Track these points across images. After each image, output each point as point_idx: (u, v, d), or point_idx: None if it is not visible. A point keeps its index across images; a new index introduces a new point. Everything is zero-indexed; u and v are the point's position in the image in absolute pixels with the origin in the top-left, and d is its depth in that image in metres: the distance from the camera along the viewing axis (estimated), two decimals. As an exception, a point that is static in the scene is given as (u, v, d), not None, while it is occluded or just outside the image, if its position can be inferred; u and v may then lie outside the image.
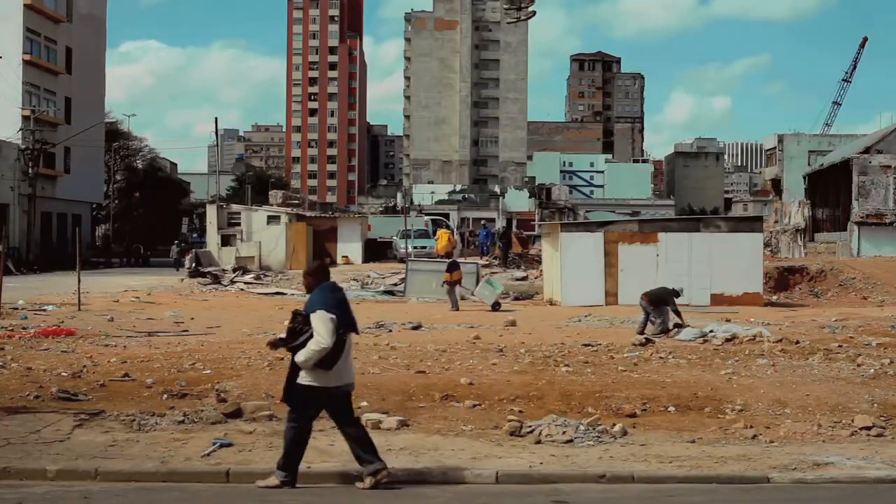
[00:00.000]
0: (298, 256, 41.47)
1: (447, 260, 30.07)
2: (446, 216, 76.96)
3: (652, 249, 26.24)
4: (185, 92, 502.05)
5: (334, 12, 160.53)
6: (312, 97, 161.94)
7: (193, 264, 38.85)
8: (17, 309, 21.94)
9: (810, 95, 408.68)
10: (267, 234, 43.20)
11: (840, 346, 15.60)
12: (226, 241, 43.48)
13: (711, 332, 17.22)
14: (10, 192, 50.51)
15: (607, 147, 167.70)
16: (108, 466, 8.38)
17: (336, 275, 36.09)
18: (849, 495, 8.19)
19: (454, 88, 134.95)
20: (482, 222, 61.07)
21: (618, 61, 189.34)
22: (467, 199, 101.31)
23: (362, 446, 8.06)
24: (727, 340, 16.28)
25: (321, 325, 7.72)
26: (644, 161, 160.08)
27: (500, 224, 71.41)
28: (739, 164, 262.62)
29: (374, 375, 12.41)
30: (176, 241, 56.48)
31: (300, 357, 7.78)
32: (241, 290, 32.67)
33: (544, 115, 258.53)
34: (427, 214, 69.22)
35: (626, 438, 9.77)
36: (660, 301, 18.44)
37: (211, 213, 45.24)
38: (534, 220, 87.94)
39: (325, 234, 44.66)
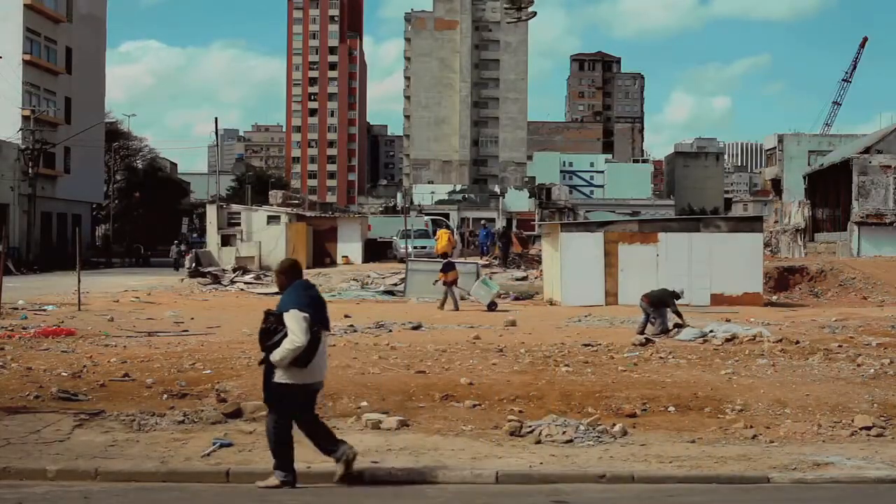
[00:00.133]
0: (298, 256, 41.19)
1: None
2: (446, 216, 76.95)
3: (652, 249, 26.24)
4: (185, 92, 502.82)
5: (334, 12, 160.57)
6: (312, 97, 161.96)
7: (193, 264, 38.90)
8: (17, 309, 21.94)
9: (810, 95, 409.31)
10: (267, 234, 43.21)
11: (840, 346, 15.59)
12: (226, 241, 43.51)
13: (711, 332, 17.21)
14: (10, 192, 50.54)
15: (607, 147, 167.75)
16: (108, 466, 8.38)
17: (336, 275, 36.52)
18: (849, 495, 8.18)
19: (454, 88, 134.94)
20: (482, 222, 61.02)
21: (618, 61, 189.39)
22: (467, 199, 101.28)
23: (323, 438, 8.10)
24: (727, 340, 16.27)
25: (294, 324, 7.74)
26: (644, 161, 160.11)
27: (500, 224, 71.36)
28: (739, 164, 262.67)
29: (374, 375, 12.39)
30: (176, 241, 56.46)
31: (275, 356, 7.79)
32: (241, 290, 32.72)
33: (544, 115, 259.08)
34: (427, 214, 69.19)
35: (626, 438, 9.76)
36: (660, 303, 18.45)
37: (211, 213, 45.26)
38: (534, 220, 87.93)
39: (325, 234, 44.72)
